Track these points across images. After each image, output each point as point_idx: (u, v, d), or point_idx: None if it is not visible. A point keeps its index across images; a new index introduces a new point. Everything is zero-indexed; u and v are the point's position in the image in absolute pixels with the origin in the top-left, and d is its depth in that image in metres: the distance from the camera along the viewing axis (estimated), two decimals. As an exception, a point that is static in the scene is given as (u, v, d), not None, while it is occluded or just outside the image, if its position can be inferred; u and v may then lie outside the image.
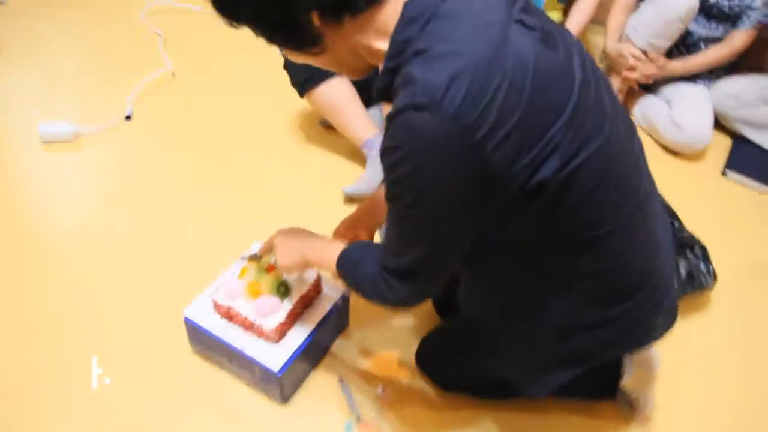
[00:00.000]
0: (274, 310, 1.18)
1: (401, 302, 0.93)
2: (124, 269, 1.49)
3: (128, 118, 1.93)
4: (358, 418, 1.23)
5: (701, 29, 2.13)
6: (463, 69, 0.72)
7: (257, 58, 2.32)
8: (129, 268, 1.50)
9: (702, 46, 2.16)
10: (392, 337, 1.40)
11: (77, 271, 1.48)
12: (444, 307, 1.41)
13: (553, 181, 0.78)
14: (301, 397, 1.26)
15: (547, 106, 0.76)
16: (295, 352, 1.18)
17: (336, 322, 1.32)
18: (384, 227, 1.18)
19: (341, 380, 1.30)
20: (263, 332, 1.17)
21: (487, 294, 1.02)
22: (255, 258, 1.24)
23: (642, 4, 2.14)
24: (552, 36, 0.81)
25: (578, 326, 0.96)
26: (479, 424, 1.24)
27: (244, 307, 1.19)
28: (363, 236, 1.24)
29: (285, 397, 1.23)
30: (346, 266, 1.01)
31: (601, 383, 1.24)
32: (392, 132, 0.76)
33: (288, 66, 1.80)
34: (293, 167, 1.85)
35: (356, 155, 1.85)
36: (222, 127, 1.98)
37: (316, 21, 0.80)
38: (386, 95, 0.84)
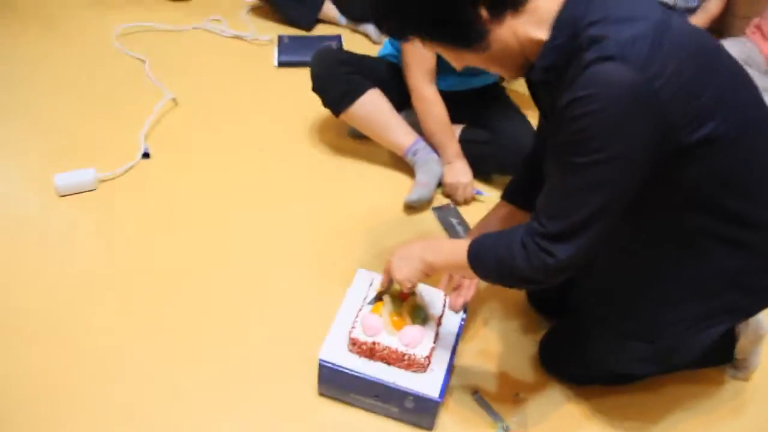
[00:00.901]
0: (422, 338, 1.15)
1: (565, 266, 0.93)
2: (201, 318, 1.39)
3: (146, 155, 1.77)
4: (506, 429, 1.23)
5: (679, 1, 2.27)
6: (644, 29, 0.84)
7: (252, 74, 2.23)
8: (208, 315, 1.39)
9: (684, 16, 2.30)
10: (504, 341, 1.40)
11: (157, 328, 1.35)
12: (548, 306, 1.43)
13: (714, 136, 0.87)
14: (442, 420, 1.23)
15: (712, 70, 0.89)
16: (446, 374, 1.16)
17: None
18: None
19: (475, 392, 1.29)
20: (414, 362, 1.14)
21: (639, 250, 1.04)
22: (382, 294, 1.20)
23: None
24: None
25: (727, 276, 1.02)
26: (610, 412, 1.28)
27: (390, 341, 1.14)
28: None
29: (434, 423, 1.21)
30: (481, 253, 1.01)
31: (720, 348, 1.31)
32: (582, 83, 0.84)
33: (319, 88, 1.77)
34: (337, 182, 1.80)
35: (394, 163, 1.83)
36: (245, 149, 1.88)
37: (483, 14, 0.88)
38: (550, 75, 0.90)
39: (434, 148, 1.75)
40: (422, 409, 1.16)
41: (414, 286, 1.14)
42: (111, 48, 2.26)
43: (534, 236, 0.93)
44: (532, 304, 1.47)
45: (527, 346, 1.38)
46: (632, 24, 0.84)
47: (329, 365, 1.17)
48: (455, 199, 1.76)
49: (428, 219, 1.70)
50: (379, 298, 1.20)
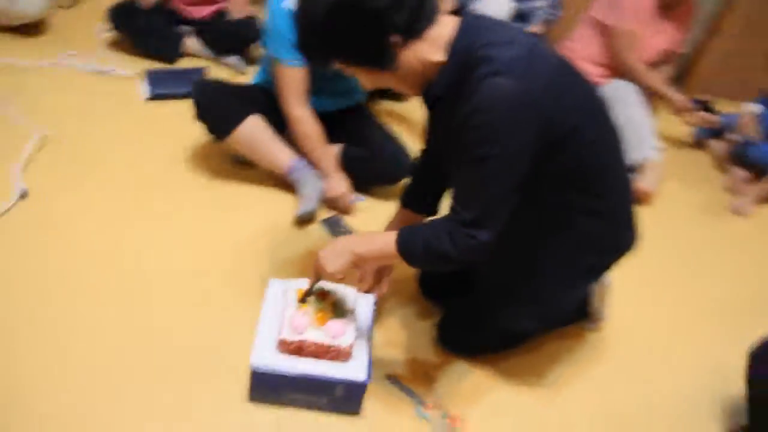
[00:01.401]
0: (344, 330, 1.27)
1: (484, 247, 1.12)
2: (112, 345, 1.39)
3: (24, 195, 1.70)
4: (423, 404, 1.40)
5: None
6: (521, 51, 1.08)
7: (121, 108, 2.21)
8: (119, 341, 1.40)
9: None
10: (406, 329, 1.58)
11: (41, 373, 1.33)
12: (437, 293, 1.64)
13: (576, 128, 1.13)
14: (366, 405, 1.35)
15: (570, 81, 1.16)
16: (368, 358, 1.30)
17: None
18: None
19: (390, 377, 1.44)
20: (340, 352, 1.26)
21: (528, 228, 1.27)
22: (314, 293, 1.31)
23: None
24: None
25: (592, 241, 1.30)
26: (506, 372, 1.51)
27: (316, 335, 1.26)
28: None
29: (360, 407, 1.33)
30: (409, 243, 1.17)
31: (580, 308, 1.61)
32: (478, 96, 1.05)
33: (202, 116, 1.84)
34: (227, 206, 1.87)
35: (278, 183, 1.95)
36: (130, 182, 1.88)
37: (396, 40, 1.08)
38: (449, 91, 1.11)
39: (313, 164, 1.89)
40: (351, 395, 1.29)
41: (344, 278, 1.26)
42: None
43: (456, 224, 1.12)
44: (424, 293, 1.66)
45: (427, 330, 1.57)
46: (512, 46, 1.08)
47: (262, 370, 1.25)
48: (337, 208, 1.91)
49: (317, 230, 1.84)
50: (308, 295, 1.30)
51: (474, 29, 1.11)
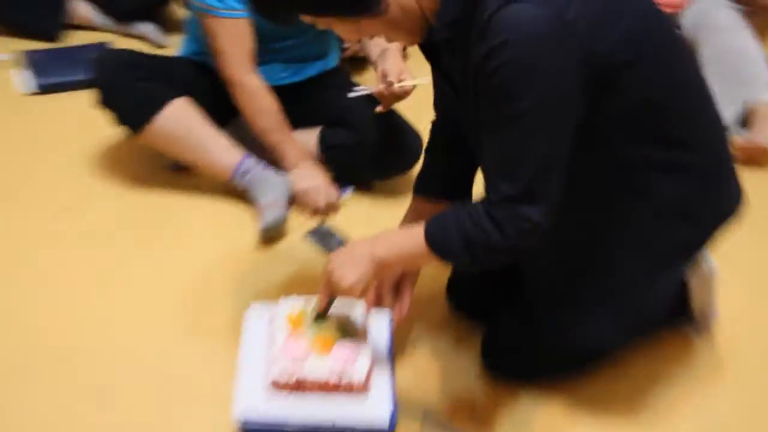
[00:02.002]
0: (356, 356, 1.41)
1: (539, 228, 1.21)
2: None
3: None
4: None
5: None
6: None
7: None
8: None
9: None
10: (436, 353, 1.69)
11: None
12: (473, 304, 1.76)
13: (636, 60, 1.22)
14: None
15: (622, 3, 1.25)
16: (391, 395, 1.43)
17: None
18: None
19: (425, 417, 1.53)
20: (353, 386, 1.39)
21: (588, 202, 1.37)
22: (324, 314, 1.45)
23: None
24: None
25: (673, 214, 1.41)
26: (584, 405, 1.60)
27: (320, 368, 1.39)
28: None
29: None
30: (443, 236, 1.27)
31: (674, 306, 1.70)
32: (492, 31, 1.13)
33: (107, 101, 1.96)
34: (170, 226, 2.00)
35: (229, 191, 2.06)
36: (37, 204, 2.00)
37: None
38: (455, 32, 1.22)
39: (272, 154, 1.99)
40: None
41: (365, 291, 1.37)
42: None
43: (498, 205, 1.22)
44: (456, 306, 1.79)
45: (468, 356, 1.68)
46: None
47: (251, 423, 1.37)
48: (314, 209, 1.97)
49: (301, 247, 1.96)
50: (320, 316, 1.44)
51: None
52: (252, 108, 1.96)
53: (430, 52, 1.35)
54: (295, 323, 1.45)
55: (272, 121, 1.97)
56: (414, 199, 1.64)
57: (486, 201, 1.25)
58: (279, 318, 1.46)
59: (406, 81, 1.91)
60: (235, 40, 1.92)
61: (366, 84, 2.21)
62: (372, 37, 1.33)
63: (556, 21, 1.15)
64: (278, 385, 1.38)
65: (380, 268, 1.35)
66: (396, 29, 1.28)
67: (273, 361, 1.39)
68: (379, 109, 1.98)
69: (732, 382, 1.69)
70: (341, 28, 1.28)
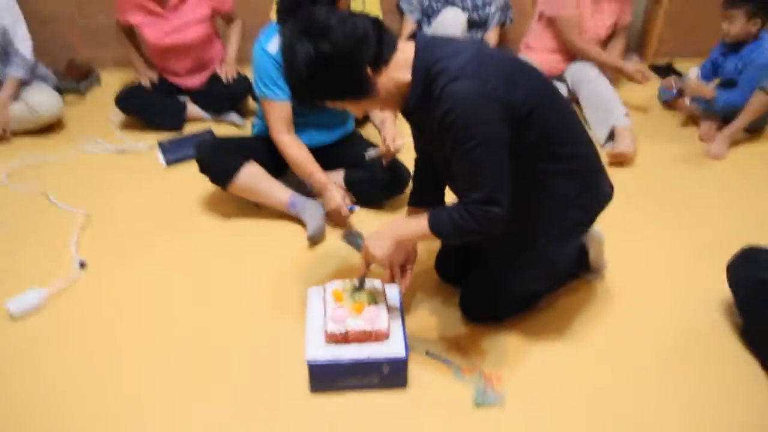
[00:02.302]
0: (379, 314, 1.47)
1: (501, 218, 1.33)
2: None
3: (82, 265, 1.92)
4: (458, 367, 1.58)
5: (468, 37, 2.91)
6: (469, 56, 1.29)
7: (147, 177, 2.45)
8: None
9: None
10: (432, 309, 1.77)
11: None
12: (451, 272, 1.84)
13: (535, 107, 1.33)
14: (411, 377, 1.53)
15: (519, 69, 1.37)
16: (403, 337, 1.49)
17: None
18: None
19: (427, 351, 1.62)
20: (380, 334, 1.45)
21: (518, 199, 1.41)
22: (364, 278, 1.54)
23: (429, 32, 2.83)
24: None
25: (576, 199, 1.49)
26: (528, 331, 1.70)
27: (357, 323, 1.45)
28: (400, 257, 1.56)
29: (406, 380, 1.51)
30: (439, 223, 1.38)
31: (579, 262, 1.79)
32: (444, 100, 1.25)
33: (204, 170, 2.09)
34: (252, 245, 2.08)
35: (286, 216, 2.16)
36: (170, 238, 2.10)
37: (369, 72, 1.28)
38: (421, 102, 1.32)
39: (307, 182, 2.08)
40: (396, 371, 1.48)
41: (389, 260, 1.47)
42: (6, 190, 2.36)
43: (471, 205, 1.32)
44: (442, 276, 1.86)
45: (452, 311, 1.75)
46: (460, 55, 1.29)
47: (317, 362, 1.44)
48: (337, 221, 2.10)
49: (340, 246, 2.03)
50: (361, 282, 1.53)
51: (428, 48, 1.32)
52: (290, 156, 2.05)
53: (407, 114, 1.42)
54: (338, 297, 1.51)
55: (304, 162, 2.05)
56: (408, 209, 1.71)
57: (462, 203, 1.35)
58: (328, 294, 1.52)
59: (398, 142, 2.06)
60: (278, 115, 2.02)
61: (368, 135, 2.35)
62: (372, 109, 1.44)
63: (482, 88, 1.25)
64: (331, 337, 1.44)
65: (398, 243, 1.44)
66: (385, 104, 1.38)
67: (327, 322, 1.46)
68: (385, 162, 2.11)
69: (621, 308, 1.78)
70: (350, 107, 1.37)
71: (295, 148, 2.06)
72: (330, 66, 1.25)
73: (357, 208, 2.13)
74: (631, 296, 1.82)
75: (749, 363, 1.60)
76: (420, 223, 1.41)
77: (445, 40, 1.37)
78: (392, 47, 1.32)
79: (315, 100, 1.34)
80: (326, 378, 1.48)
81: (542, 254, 1.54)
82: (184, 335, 1.70)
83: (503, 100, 1.28)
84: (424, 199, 1.68)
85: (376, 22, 1.30)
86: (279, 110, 2.03)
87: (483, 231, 1.35)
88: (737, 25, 2.55)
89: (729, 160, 2.59)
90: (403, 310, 1.58)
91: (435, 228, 1.39)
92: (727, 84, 2.65)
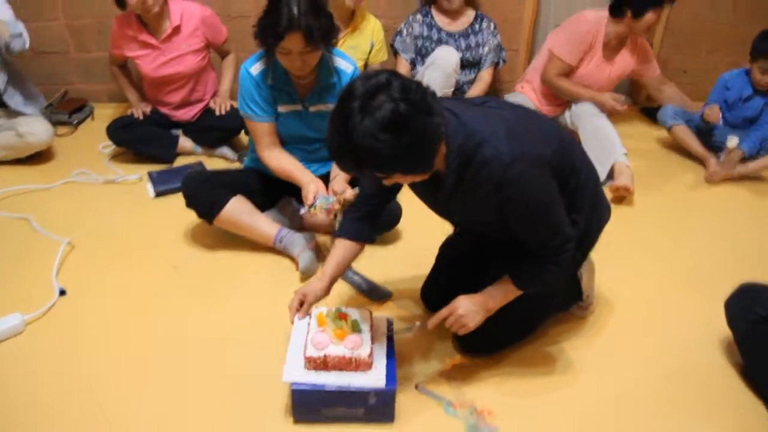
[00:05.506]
0: (362, 342, 1.46)
1: (571, 252, 1.45)
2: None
3: (62, 293, 1.92)
4: (449, 403, 1.54)
5: (462, 77, 2.97)
6: (505, 131, 1.35)
7: (134, 208, 2.46)
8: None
9: (465, 88, 3.01)
10: (421, 344, 1.75)
11: None
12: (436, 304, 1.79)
13: (570, 171, 1.49)
14: (399, 411, 1.51)
15: (547, 137, 1.45)
16: (388, 368, 1.47)
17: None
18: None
19: (416, 385, 1.59)
20: (360, 363, 1.44)
21: None
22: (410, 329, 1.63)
23: (422, 70, 2.89)
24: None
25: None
26: (519, 363, 1.69)
27: (338, 350, 1.44)
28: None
29: (394, 414, 1.48)
30: (528, 283, 1.49)
31: (571, 292, 1.79)
32: (513, 185, 1.32)
33: (191, 204, 2.12)
34: (238, 277, 2.09)
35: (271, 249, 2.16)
36: (156, 269, 2.10)
37: (440, 149, 1.31)
38: (459, 175, 1.36)
39: (294, 181, 2.05)
40: (383, 403, 1.46)
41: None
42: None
43: (552, 256, 1.44)
44: (430, 308, 1.85)
45: (440, 341, 1.75)
46: (496, 129, 1.33)
47: (300, 387, 1.43)
48: (309, 223, 2.21)
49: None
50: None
51: (461, 129, 1.34)
52: (275, 167, 2.07)
53: (434, 179, 1.39)
54: (321, 322, 1.49)
55: (288, 165, 2.06)
56: (340, 241, 1.63)
57: (543, 257, 1.44)
58: (312, 320, 1.52)
59: (347, 193, 1.97)
60: (262, 134, 2.07)
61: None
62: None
63: (534, 163, 1.33)
64: (310, 361, 1.43)
65: (489, 312, 1.50)
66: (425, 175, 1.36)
67: (307, 345, 1.45)
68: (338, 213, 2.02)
69: (613, 343, 1.78)
70: (401, 180, 1.36)
71: (275, 159, 2.10)
72: (412, 137, 1.20)
73: (332, 198, 2.02)
74: (619, 326, 1.84)
75: (750, 398, 1.59)
76: (506, 289, 1.50)
77: (465, 107, 1.40)
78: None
79: (367, 170, 1.28)
80: (308, 405, 1.46)
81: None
82: (163, 366, 1.69)
83: (547, 159, 1.38)
84: (363, 233, 1.65)
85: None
86: (259, 129, 2.08)
87: (568, 270, 1.55)
88: None
89: (724, 191, 2.71)
90: (394, 342, 1.57)
91: (526, 289, 1.50)
92: (748, 120, 2.86)
